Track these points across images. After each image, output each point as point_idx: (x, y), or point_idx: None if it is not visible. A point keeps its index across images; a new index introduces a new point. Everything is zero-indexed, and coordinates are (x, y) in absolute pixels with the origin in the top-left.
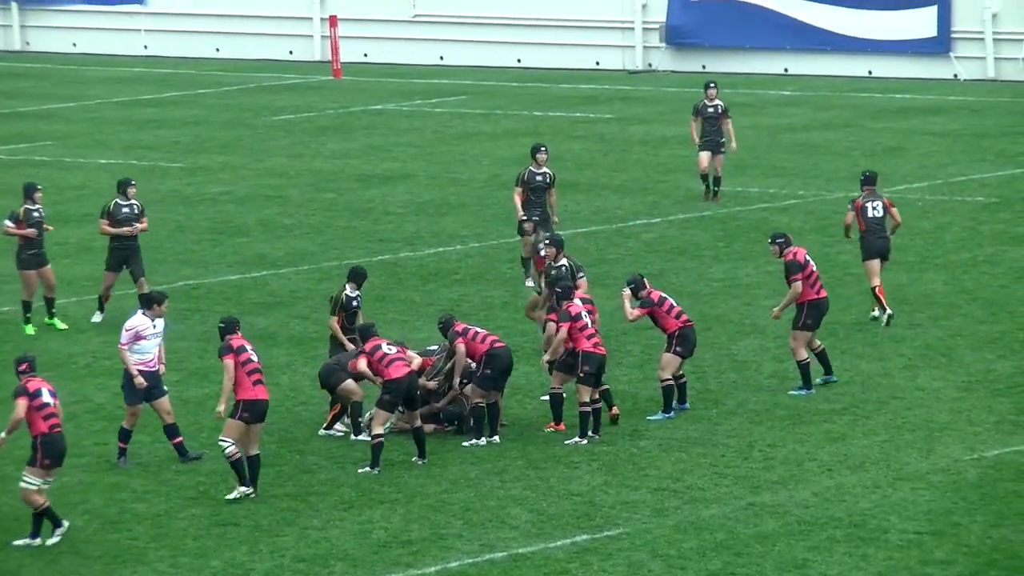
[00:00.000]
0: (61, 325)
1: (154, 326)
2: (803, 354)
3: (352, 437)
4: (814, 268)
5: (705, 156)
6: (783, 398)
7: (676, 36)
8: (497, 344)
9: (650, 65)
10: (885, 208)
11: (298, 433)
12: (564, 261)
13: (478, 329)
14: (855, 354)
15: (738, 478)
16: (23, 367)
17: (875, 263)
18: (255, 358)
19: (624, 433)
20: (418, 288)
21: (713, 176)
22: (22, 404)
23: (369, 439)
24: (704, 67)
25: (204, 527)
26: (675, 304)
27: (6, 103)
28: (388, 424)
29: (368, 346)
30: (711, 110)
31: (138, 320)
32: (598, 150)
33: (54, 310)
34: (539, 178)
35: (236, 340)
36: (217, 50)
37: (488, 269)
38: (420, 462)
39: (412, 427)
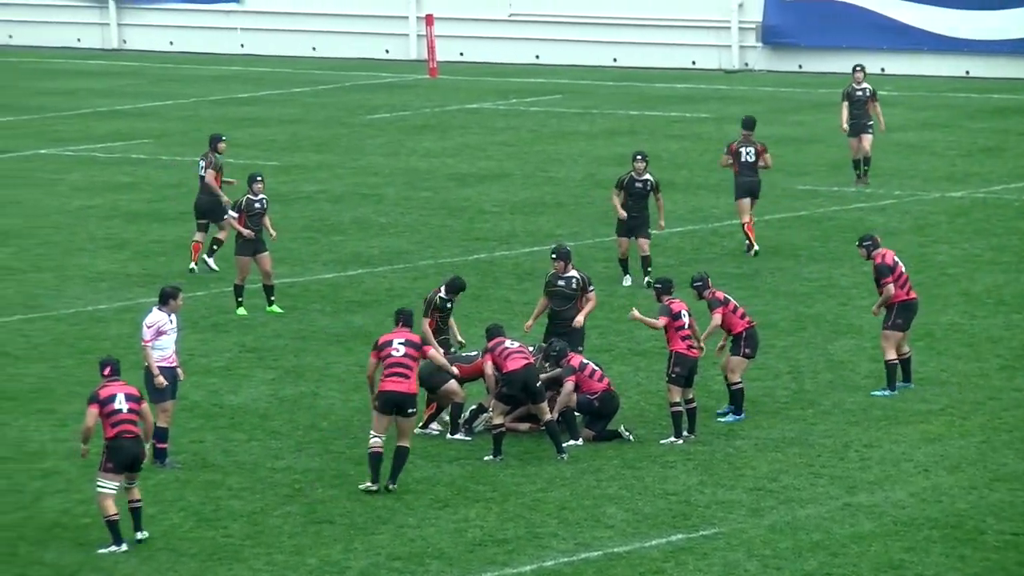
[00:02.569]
0: (279, 310)
1: (171, 321)
2: (892, 355)
3: (448, 436)
4: (903, 270)
5: (854, 139)
6: (879, 398)
7: (772, 36)
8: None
9: (746, 64)
10: (757, 153)
11: (393, 432)
12: (573, 273)
13: (508, 346)
14: (952, 355)
15: (834, 478)
16: (106, 371)
17: (745, 202)
18: (396, 352)
19: (720, 433)
20: (513, 287)
21: (863, 157)
22: (92, 412)
23: (467, 438)
24: (800, 67)
25: (300, 525)
26: (738, 304)
27: (103, 101)
28: (483, 420)
29: (492, 343)
30: (859, 93)
31: (157, 316)
32: (694, 149)
33: (273, 297)
34: (639, 185)
35: (384, 336)
36: (313, 49)
37: (583, 268)
38: (561, 457)
39: (543, 422)
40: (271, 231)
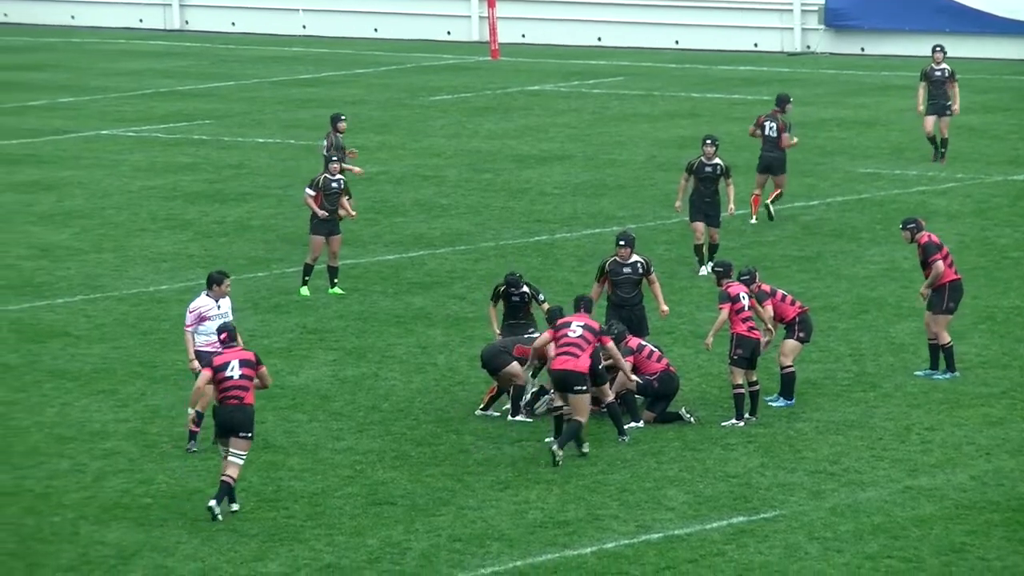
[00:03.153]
0: (340, 292)
1: (218, 307)
2: (947, 337)
3: (509, 418)
4: (948, 251)
5: (931, 119)
6: (941, 381)
7: (835, 18)
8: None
9: (808, 47)
10: (778, 130)
11: (455, 413)
12: (636, 258)
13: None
14: (1014, 338)
15: (895, 461)
16: (223, 336)
17: (761, 177)
18: (572, 334)
19: (781, 416)
20: (575, 269)
21: (940, 138)
22: (205, 375)
23: (528, 420)
24: (863, 49)
25: (360, 506)
26: (786, 292)
27: (165, 82)
28: (544, 401)
29: (558, 324)
30: (938, 74)
31: (201, 301)
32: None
33: (336, 279)
34: (708, 169)
35: (563, 319)
36: (375, 30)
37: (644, 251)
38: (622, 439)
39: (604, 404)
40: (351, 212)
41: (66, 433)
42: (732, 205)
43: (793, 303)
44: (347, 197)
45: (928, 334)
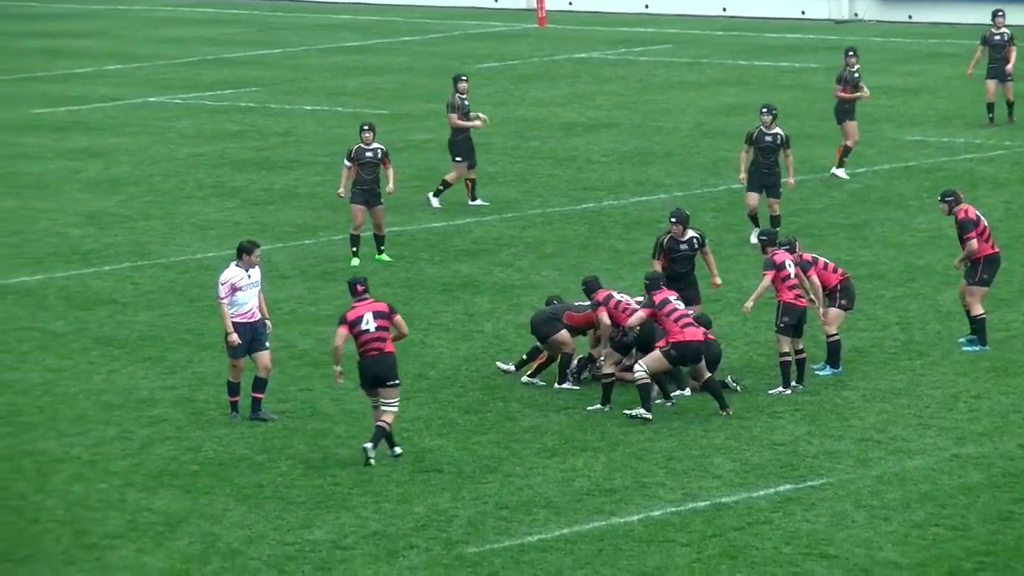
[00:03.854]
0: (387, 259)
1: (248, 276)
2: (980, 309)
3: (556, 385)
4: (986, 224)
5: (992, 83)
6: (989, 350)
7: None
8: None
9: (856, 15)
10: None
11: (501, 380)
12: (691, 233)
13: (619, 297)
14: None
15: (942, 429)
16: (359, 288)
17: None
18: (679, 306)
19: (827, 384)
20: (621, 236)
21: (1007, 101)
22: (341, 332)
23: (575, 387)
24: (910, 17)
25: (407, 473)
26: (827, 260)
27: (212, 49)
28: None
29: (601, 295)
30: (997, 38)
31: (232, 272)
32: (804, 99)
33: (383, 247)
34: (768, 139)
35: (660, 294)
36: None
37: (692, 219)
38: (669, 404)
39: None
40: (390, 184)
41: (113, 400)
42: (791, 179)
43: (836, 270)
44: (386, 165)
45: (963, 304)
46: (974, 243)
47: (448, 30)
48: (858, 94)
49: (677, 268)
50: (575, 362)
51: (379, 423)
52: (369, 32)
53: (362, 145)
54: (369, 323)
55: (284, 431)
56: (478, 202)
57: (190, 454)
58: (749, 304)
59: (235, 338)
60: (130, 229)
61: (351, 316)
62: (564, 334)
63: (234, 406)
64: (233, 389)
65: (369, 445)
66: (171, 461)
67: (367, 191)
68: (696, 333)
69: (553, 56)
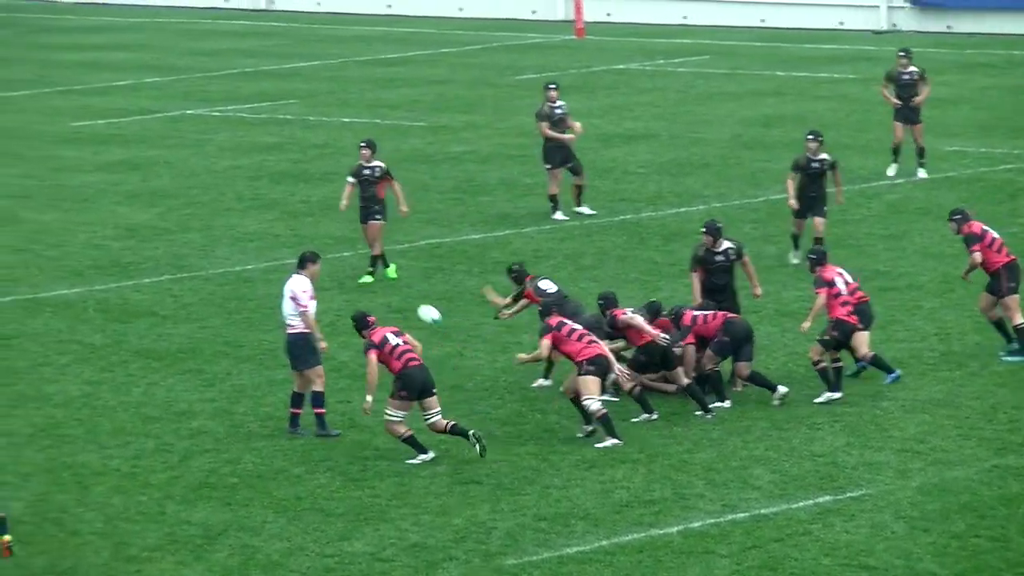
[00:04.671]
0: (392, 275)
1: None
2: (1020, 318)
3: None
4: (995, 236)
5: (900, 126)
6: None
7: None
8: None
9: (894, 25)
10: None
11: (539, 392)
12: (727, 244)
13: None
14: None
15: (982, 440)
16: (370, 320)
17: (900, 126)
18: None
19: (866, 395)
20: (659, 248)
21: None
22: (372, 359)
23: (614, 399)
24: (949, 27)
25: (446, 485)
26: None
27: (250, 62)
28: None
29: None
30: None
31: (302, 282)
32: (841, 110)
33: (381, 264)
34: (815, 165)
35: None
36: (460, 9)
37: (729, 229)
38: (707, 417)
39: (681, 386)
40: (401, 205)
41: (152, 413)
42: (840, 199)
43: (853, 293)
44: (391, 183)
45: (987, 317)
46: (977, 256)
47: (486, 42)
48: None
49: (714, 280)
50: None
51: (452, 425)
52: (407, 44)
53: (362, 163)
54: (395, 339)
55: (322, 443)
56: (584, 209)
57: (229, 466)
58: (806, 324)
59: (325, 344)
60: (169, 242)
61: (376, 338)
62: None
63: (296, 419)
64: (297, 401)
65: (426, 453)
66: (210, 473)
67: (363, 208)
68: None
69: (591, 67)
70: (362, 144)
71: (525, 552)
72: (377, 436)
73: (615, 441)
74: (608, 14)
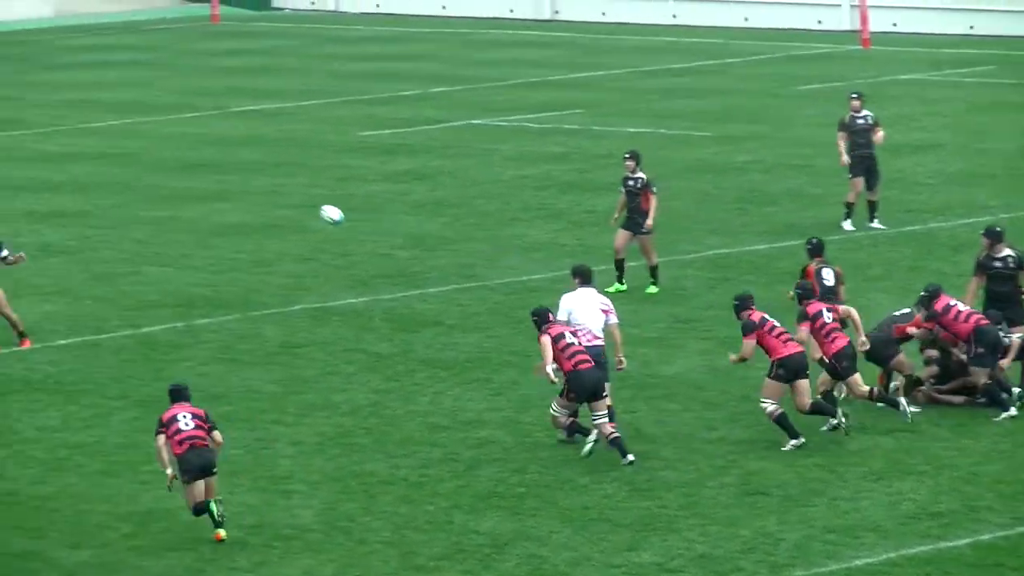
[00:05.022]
0: (654, 290)
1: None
2: None
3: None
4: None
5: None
6: None
7: None
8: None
9: None
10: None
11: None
12: (1008, 251)
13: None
14: None
15: None
16: (550, 316)
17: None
18: (776, 323)
19: None
20: (948, 259)
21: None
22: (547, 343)
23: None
24: None
25: (733, 496)
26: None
27: (535, 72)
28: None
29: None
30: (860, 122)
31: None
32: None
33: (653, 279)
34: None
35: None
36: (746, 19)
37: (1018, 242)
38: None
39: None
40: (648, 220)
41: (440, 422)
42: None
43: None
44: (649, 195)
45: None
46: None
47: (771, 52)
48: None
49: (994, 287)
50: (895, 383)
51: (613, 435)
52: (692, 54)
53: (627, 174)
54: (572, 337)
55: (608, 453)
56: (875, 224)
57: (516, 476)
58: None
59: (624, 362)
60: (455, 252)
61: (553, 332)
62: (902, 357)
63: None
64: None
65: (628, 457)
66: (498, 483)
67: (629, 219)
68: (792, 347)
69: (877, 77)
70: (626, 155)
71: (813, 564)
72: (663, 447)
73: (795, 442)
74: (894, 24)
